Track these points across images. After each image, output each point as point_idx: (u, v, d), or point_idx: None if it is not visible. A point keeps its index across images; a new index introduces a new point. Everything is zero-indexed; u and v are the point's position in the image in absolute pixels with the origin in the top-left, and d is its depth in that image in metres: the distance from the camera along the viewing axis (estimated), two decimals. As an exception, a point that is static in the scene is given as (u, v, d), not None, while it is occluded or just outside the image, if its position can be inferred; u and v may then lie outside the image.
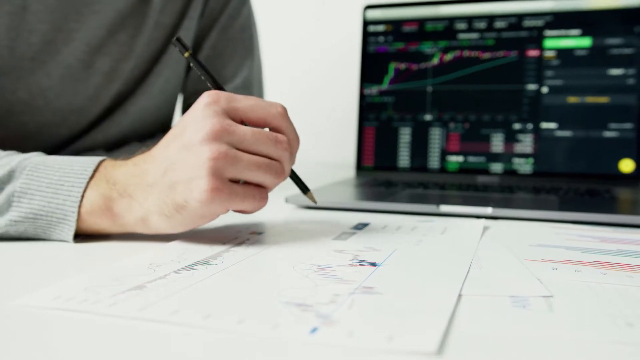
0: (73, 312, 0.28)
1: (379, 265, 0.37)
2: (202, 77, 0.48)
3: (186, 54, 0.46)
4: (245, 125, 0.43)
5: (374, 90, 0.94)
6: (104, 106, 0.69)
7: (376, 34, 0.94)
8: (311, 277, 0.34)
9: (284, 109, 0.44)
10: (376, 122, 0.93)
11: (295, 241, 0.45)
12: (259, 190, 0.43)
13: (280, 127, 0.44)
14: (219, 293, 0.31)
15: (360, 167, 0.93)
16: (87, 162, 0.44)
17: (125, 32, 0.66)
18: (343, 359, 0.23)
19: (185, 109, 0.82)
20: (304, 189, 0.50)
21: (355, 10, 1.10)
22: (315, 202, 0.52)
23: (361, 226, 0.51)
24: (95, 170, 0.44)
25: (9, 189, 0.43)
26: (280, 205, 0.64)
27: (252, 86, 0.79)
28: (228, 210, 0.42)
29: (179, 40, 0.46)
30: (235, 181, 0.42)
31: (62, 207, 0.42)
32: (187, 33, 0.72)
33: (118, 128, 0.70)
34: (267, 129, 0.44)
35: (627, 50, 0.82)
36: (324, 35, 1.30)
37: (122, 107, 0.70)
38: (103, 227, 0.43)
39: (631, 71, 0.82)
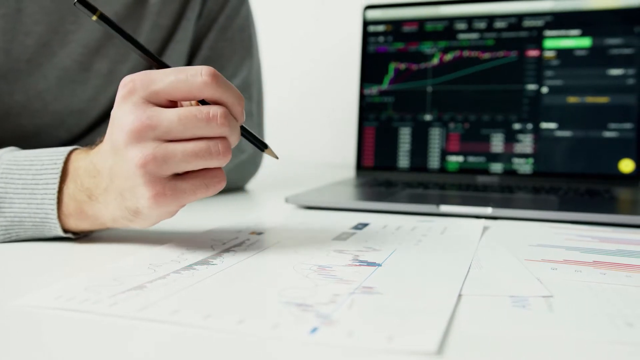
0: (73, 312, 0.28)
1: (379, 265, 0.37)
2: (119, 41, 0.42)
3: (94, 17, 0.41)
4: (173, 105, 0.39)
5: (374, 90, 0.94)
6: (102, 108, 0.69)
7: (376, 34, 0.94)
8: (311, 277, 0.34)
9: (210, 74, 0.38)
10: (376, 122, 0.93)
11: (295, 241, 0.45)
12: (209, 176, 0.39)
13: (212, 98, 0.38)
14: (219, 293, 0.31)
15: (360, 167, 0.93)
16: (57, 154, 0.43)
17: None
18: (343, 359, 0.23)
19: None
20: (261, 146, 0.45)
21: (355, 10, 1.10)
22: (276, 157, 0.45)
23: (361, 226, 0.51)
24: (65, 163, 0.42)
25: None
26: (280, 205, 0.64)
27: (252, 86, 0.79)
28: (185, 205, 0.40)
29: (81, 2, 0.40)
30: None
31: (41, 207, 0.42)
32: (185, 34, 0.72)
33: None
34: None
35: (627, 50, 0.82)
36: (324, 36, 1.30)
37: None
38: (86, 227, 0.43)
39: (631, 71, 0.82)
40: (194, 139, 0.38)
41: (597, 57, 0.83)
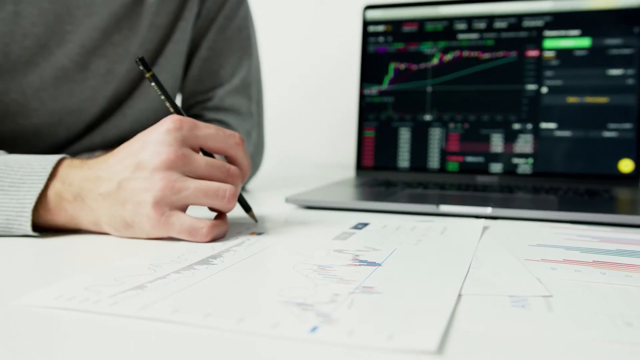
0: (74, 312, 0.28)
1: (379, 265, 0.37)
2: (163, 99, 0.48)
3: (147, 75, 0.47)
4: (204, 152, 0.46)
5: (373, 90, 0.94)
6: (100, 107, 0.69)
7: (376, 34, 0.95)
8: (311, 276, 0.34)
9: (241, 139, 0.47)
10: (376, 122, 0.93)
11: (295, 241, 0.45)
12: (206, 223, 0.44)
13: (236, 157, 0.47)
14: (219, 292, 0.31)
15: (360, 167, 0.93)
16: (47, 161, 0.46)
17: (120, 33, 0.66)
18: (343, 358, 0.23)
19: (183, 110, 0.82)
20: (247, 208, 0.51)
21: (355, 10, 1.10)
22: (255, 220, 0.52)
23: (361, 226, 0.51)
24: (54, 168, 0.45)
25: None
26: (280, 205, 0.64)
27: (251, 86, 0.79)
28: (170, 235, 0.44)
29: (142, 60, 0.47)
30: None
31: (21, 202, 0.44)
32: (183, 34, 0.72)
33: (116, 130, 0.70)
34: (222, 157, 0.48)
35: (627, 51, 0.82)
36: (324, 36, 1.30)
37: (120, 109, 0.70)
38: (60, 223, 0.45)
39: (630, 71, 0.82)
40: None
41: (597, 57, 0.83)
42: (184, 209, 0.44)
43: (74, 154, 0.68)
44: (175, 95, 0.79)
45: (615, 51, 0.83)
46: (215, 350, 0.24)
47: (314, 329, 0.25)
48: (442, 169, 0.89)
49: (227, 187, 0.44)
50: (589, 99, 0.83)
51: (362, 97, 0.94)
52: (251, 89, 0.79)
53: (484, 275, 0.35)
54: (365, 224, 0.52)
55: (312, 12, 1.31)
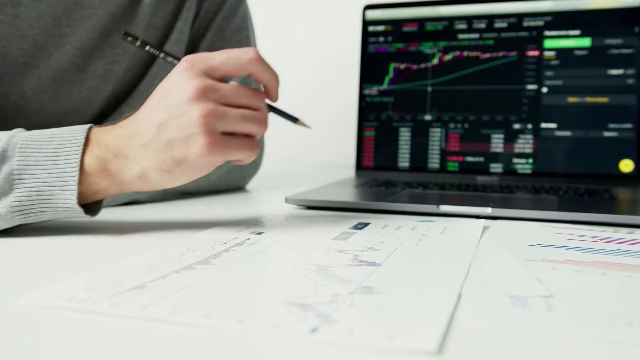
0: (74, 312, 0.28)
1: (379, 265, 0.37)
2: (162, 58, 0.50)
3: (137, 43, 0.49)
4: (225, 80, 0.47)
5: (373, 90, 0.94)
6: (99, 108, 0.69)
7: (376, 34, 0.94)
8: (311, 276, 0.34)
9: (256, 53, 0.47)
10: (376, 122, 0.93)
11: (295, 241, 0.45)
12: (248, 140, 0.47)
13: (257, 72, 0.47)
14: (219, 292, 0.31)
15: (360, 167, 0.93)
16: (76, 130, 0.46)
17: (117, 34, 0.66)
18: (343, 358, 0.23)
19: None
20: (293, 119, 0.53)
21: (355, 10, 1.10)
22: (309, 127, 0.54)
23: (361, 226, 0.51)
24: (86, 137, 0.45)
25: (5, 168, 0.44)
26: (280, 205, 0.64)
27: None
28: (224, 161, 0.46)
29: (126, 33, 0.48)
30: (226, 134, 0.45)
31: (62, 174, 0.44)
32: (181, 34, 0.72)
33: None
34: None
35: (627, 51, 0.82)
36: (324, 36, 1.30)
37: (118, 109, 0.70)
38: (102, 187, 0.45)
39: (631, 71, 0.82)
40: (242, 107, 0.46)
41: (597, 57, 0.83)
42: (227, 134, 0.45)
43: None
44: None
45: (615, 51, 0.83)
46: (215, 351, 0.24)
47: (314, 330, 0.25)
48: (442, 169, 0.89)
49: (260, 112, 0.47)
50: (589, 99, 0.83)
51: (362, 97, 0.94)
52: None
53: (484, 275, 0.35)
54: (366, 224, 0.52)
55: (312, 12, 1.31)
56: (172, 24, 0.72)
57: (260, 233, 0.48)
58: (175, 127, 0.44)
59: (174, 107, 0.44)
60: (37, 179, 0.43)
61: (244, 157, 0.47)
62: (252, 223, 0.52)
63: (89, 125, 0.46)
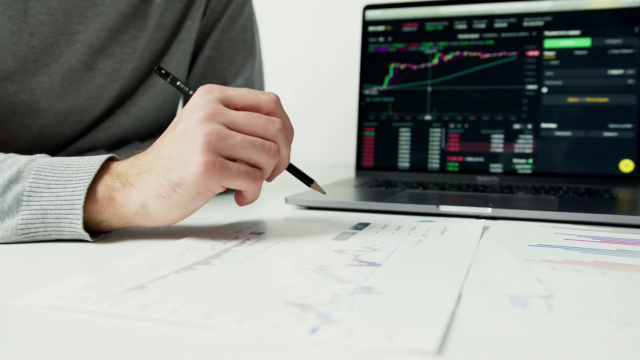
0: (74, 312, 0.28)
1: (379, 265, 0.37)
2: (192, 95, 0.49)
3: (168, 80, 0.49)
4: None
5: (373, 90, 0.94)
6: (105, 106, 0.69)
7: (376, 34, 0.94)
8: (311, 277, 0.34)
9: (277, 97, 0.45)
10: (376, 122, 0.93)
11: (295, 241, 0.45)
12: (254, 170, 0.43)
13: (273, 113, 0.45)
14: (219, 293, 0.31)
15: (360, 167, 0.93)
16: (94, 159, 0.45)
17: (127, 33, 0.66)
18: (343, 359, 0.23)
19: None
20: (308, 180, 0.51)
21: (355, 10, 1.10)
22: (323, 192, 0.52)
23: (361, 226, 0.51)
24: (103, 166, 0.44)
25: (17, 189, 0.43)
26: (280, 205, 0.64)
27: (254, 86, 0.79)
28: (224, 189, 0.43)
29: (159, 69, 0.48)
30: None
31: (69, 198, 0.43)
32: (189, 33, 0.73)
33: (119, 128, 0.70)
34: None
35: (627, 51, 0.82)
36: (324, 36, 1.30)
37: (123, 107, 0.70)
38: (106, 218, 0.44)
39: (631, 71, 0.82)
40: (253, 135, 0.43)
41: (597, 57, 0.83)
42: (231, 160, 0.43)
43: (77, 153, 0.68)
44: (180, 95, 0.79)
45: (615, 51, 0.83)
46: (215, 351, 0.24)
47: (313, 330, 0.25)
48: (442, 169, 0.89)
49: (271, 142, 0.43)
50: (589, 99, 0.83)
51: (362, 97, 0.94)
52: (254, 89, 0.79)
53: (484, 275, 0.35)
54: (366, 224, 0.52)
55: (312, 12, 1.31)
56: (181, 23, 0.72)
57: (260, 233, 0.48)
58: (177, 150, 0.42)
59: (182, 132, 0.42)
60: (44, 201, 0.43)
61: (245, 186, 0.43)
62: (252, 223, 0.52)
63: (109, 154, 0.46)
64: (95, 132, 0.69)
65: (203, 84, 0.78)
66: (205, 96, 0.43)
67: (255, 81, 0.80)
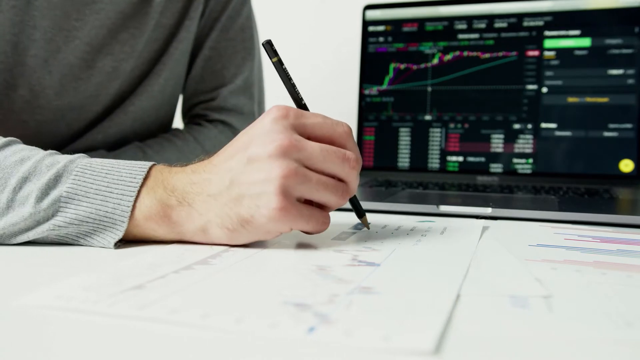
0: (73, 312, 0.28)
1: (378, 265, 0.37)
2: (284, 85, 0.46)
3: (274, 59, 0.45)
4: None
5: (373, 90, 0.94)
6: (104, 105, 0.69)
7: (376, 34, 0.94)
8: (310, 276, 0.34)
9: (350, 129, 0.43)
10: (376, 122, 0.93)
11: (294, 241, 0.45)
12: (322, 213, 0.42)
13: (345, 146, 0.43)
14: (218, 292, 0.31)
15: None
16: (136, 169, 0.42)
17: (127, 32, 0.66)
18: (341, 358, 0.23)
19: (185, 109, 0.82)
20: (360, 213, 0.49)
21: (355, 10, 1.10)
22: (368, 227, 0.50)
23: (361, 226, 0.51)
24: (146, 177, 0.42)
25: (54, 193, 0.41)
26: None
27: (253, 86, 0.79)
28: (291, 230, 0.41)
29: (269, 43, 0.45)
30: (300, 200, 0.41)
31: (111, 214, 0.41)
32: (188, 33, 0.73)
33: (118, 128, 0.70)
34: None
35: (627, 51, 0.82)
36: (324, 36, 1.30)
37: (122, 106, 0.70)
38: (160, 234, 0.42)
39: (631, 71, 0.82)
40: (327, 173, 0.41)
41: (597, 57, 0.83)
42: (302, 201, 0.41)
43: (75, 152, 0.68)
44: (179, 95, 0.79)
45: (615, 51, 0.83)
46: (214, 351, 0.24)
47: (311, 330, 0.25)
48: (442, 169, 0.89)
49: (344, 184, 0.42)
50: (589, 99, 0.83)
51: (362, 97, 0.94)
52: (253, 89, 0.79)
53: (483, 275, 0.35)
54: (365, 224, 0.52)
55: (312, 12, 1.31)
56: (180, 23, 0.72)
57: (259, 233, 0.48)
58: (250, 183, 0.39)
59: (253, 161, 0.39)
60: (82, 211, 0.41)
61: (312, 229, 0.42)
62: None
63: (151, 163, 0.43)
64: (94, 132, 0.69)
65: (202, 84, 0.78)
66: (280, 122, 0.40)
67: (254, 81, 0.80)
